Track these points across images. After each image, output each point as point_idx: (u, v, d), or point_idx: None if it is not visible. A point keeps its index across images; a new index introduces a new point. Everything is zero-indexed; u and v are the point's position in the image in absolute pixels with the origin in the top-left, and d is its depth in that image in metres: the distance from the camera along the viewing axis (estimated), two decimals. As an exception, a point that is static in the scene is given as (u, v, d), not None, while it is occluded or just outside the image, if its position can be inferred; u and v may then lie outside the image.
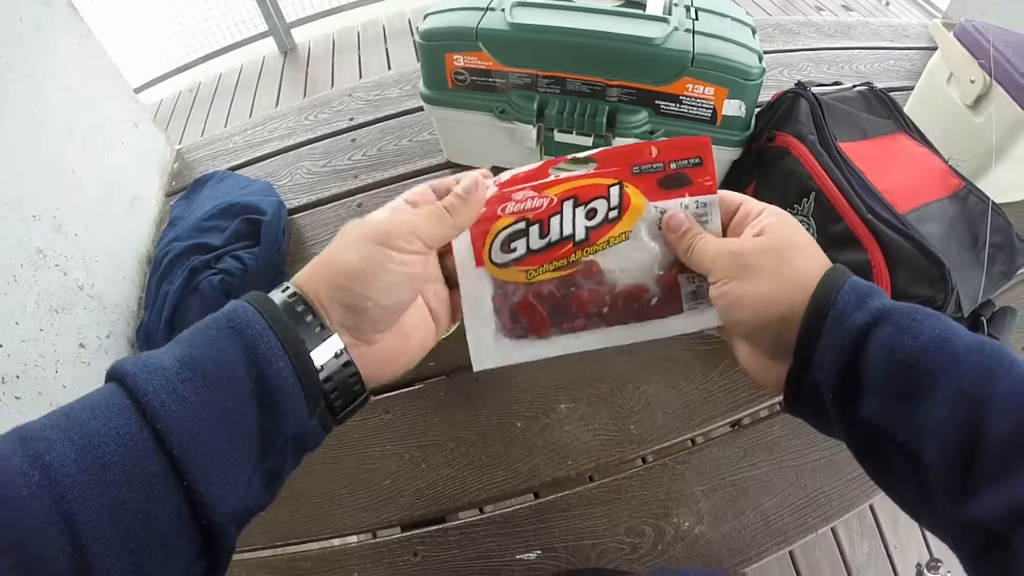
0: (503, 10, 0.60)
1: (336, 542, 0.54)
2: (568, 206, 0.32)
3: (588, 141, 0.64)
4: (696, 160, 0.32)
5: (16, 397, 0.56)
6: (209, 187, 0.78)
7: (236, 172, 0.82)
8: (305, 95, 2.08)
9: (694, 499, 0.54)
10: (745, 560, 0.51)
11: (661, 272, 0.33)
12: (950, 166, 0.60)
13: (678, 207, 0.32)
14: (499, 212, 0.32)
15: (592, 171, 0.33)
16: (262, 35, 2.29)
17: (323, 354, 0.26)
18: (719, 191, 0.33)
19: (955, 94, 0.72)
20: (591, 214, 0.32)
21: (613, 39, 0.57)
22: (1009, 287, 0.66)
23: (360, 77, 2.12)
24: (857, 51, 0.89)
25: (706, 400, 0.59)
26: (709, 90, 0.58)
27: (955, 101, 0.72)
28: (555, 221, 0.32)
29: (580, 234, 0.32)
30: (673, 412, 0.58)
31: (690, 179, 0.32)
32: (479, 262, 0.32)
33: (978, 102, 0.69)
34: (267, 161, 0.84)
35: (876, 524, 1.14)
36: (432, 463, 0.56)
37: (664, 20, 0.58)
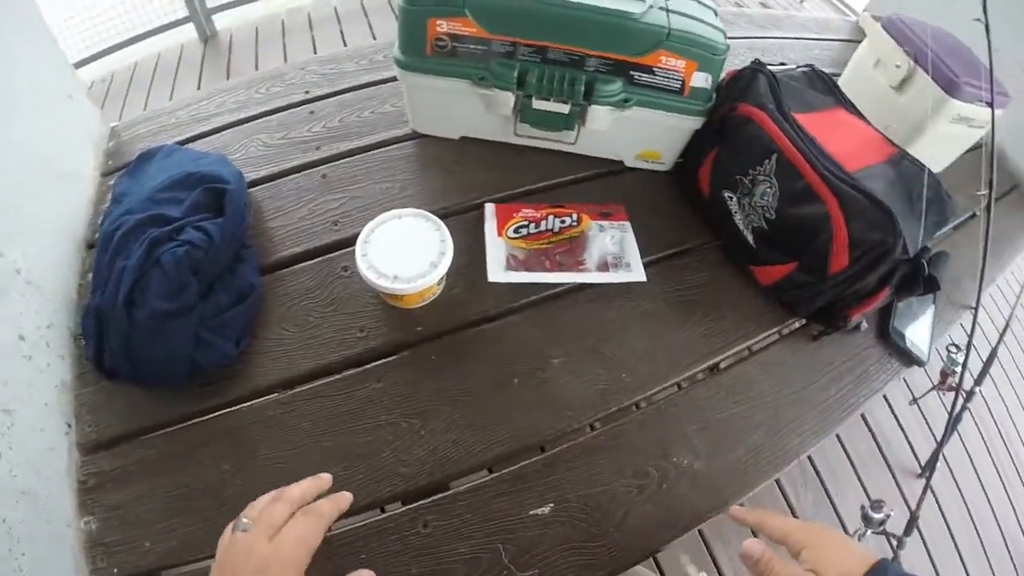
0: (489, -22, 0.61)
1: (336, 525, 0.51)
2: (551, 217, 0.69)
3: (565, 108, 0.66)
4: (614, 211, 0.72)
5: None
6: (156, 161, 0.72)
7: (184, 147, 0.76)
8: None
9: (688, 438, 0.57)
10: (743, 488, 0.55)
11: (597, 256, 0.67)
12: (884, 135, 0.69)
13: (752, 542, 0.42)
14: (515, 214, 0.69)
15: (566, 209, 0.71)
16: (181, 21, 2.12)
17: None
18: (766, 514, 0.44)
19: (882, 77, 0.83)
20: (562, 222, 0.69)
21: (596, 12, 0.59)
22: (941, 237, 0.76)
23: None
24: (786, 40, 0.99)
25: (686, 346, 0.63)
26: (680, 63, 0.62)
27: (881, 84, 0.82)
28: (543, 223, 0.69)
29: (555, 229, 0.68)
30: (659, 359, 0.61)
31: (612, 214, 0.71)
32: (499, 233, 0.67)
33: (903, 84, 0.80)
34: (217, 135, 0.79)
35: (817, 475, 1.25)
36: (431, 429, 0.56)
37: (641, -3, 0.61)
